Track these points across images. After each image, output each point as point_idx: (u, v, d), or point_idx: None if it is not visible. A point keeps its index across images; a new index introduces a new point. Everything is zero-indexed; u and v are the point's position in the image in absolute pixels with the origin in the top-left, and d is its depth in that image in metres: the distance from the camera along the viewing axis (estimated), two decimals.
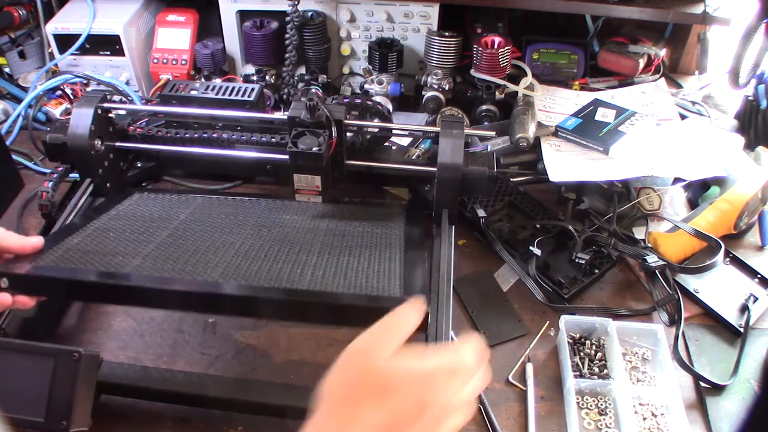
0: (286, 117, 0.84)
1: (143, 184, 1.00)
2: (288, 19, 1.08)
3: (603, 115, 1.03)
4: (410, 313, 0.49)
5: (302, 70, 1.18)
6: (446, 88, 1.12)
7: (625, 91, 1.15)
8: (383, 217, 0.86)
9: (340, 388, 0.46)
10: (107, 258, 0.70)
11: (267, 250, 0.74)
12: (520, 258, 0.89)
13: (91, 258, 0.70)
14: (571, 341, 0.79)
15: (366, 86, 1.14)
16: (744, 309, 0.83)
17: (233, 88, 0.95)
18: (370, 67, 1.16)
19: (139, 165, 0.99)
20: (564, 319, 0.79)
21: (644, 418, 0.72)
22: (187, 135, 0.92)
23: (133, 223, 0.81)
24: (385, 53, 1.11)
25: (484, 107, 1.11)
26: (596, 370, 0.76)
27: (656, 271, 0.85)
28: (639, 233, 0.92)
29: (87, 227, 0.80)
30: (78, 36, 1.13)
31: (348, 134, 0.89)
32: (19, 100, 1.17)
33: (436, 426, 0.46)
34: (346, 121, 0.84)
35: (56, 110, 1.13)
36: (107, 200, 0.88)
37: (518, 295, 0.87)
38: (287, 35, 1.09)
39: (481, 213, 0.92)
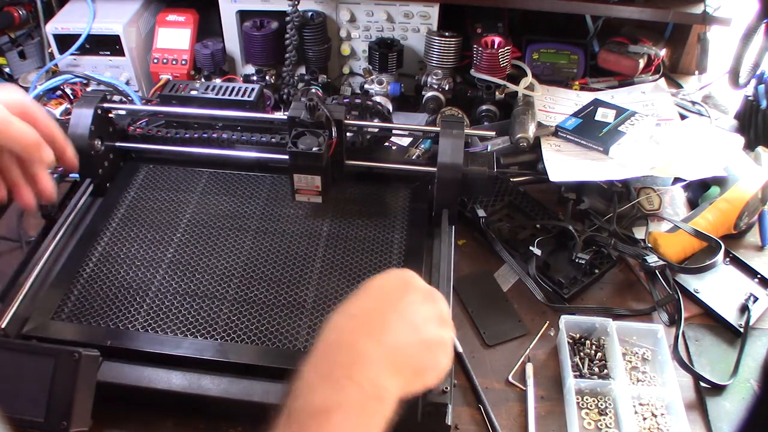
0: (286, 117, 0.84)
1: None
2: (288, 19, 1.08)
3: (603, 115, 1.03)
4: None
5: (302, 70, 1.18)
6: (446, 88, 1.11)
7: (625, 91, 1.15)
8: (384, 215, 0.86)
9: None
10: (122, 295, 0.76)
11: (270, 273, 0.79)
12: (520, 258, 0.89)
13: (107, 296, 0.76)
14: (571, 341, 0.79)
15: (366, 86, 1.14)
16: (744, 309, 0.83)
17: (233, 88, 0.95)
18: (370, 67, 1.15)
19: None
20: (564, 319, 0.79)
21: (644, 418, 0.72)
22: (187, 135, 0.92)
23: (141, 230, 0.84)
24: (385, 53, 1.11)
25: (484, 107, 1.11)
26: (596, 370, 0.76)
27: (656, 271, 0.85)
28: (639, 233, 0.92)
29: (100, 239, 0.83)
30: (78, 36, 1.13)
31: (348, 134, 0.88)
32: None
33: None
34: (346, 121, 0.84)
35: (56, 110, 1.13)
36: (113, 184, 0.91)
37: (518, 295, 0.87)
38: (287, 35, 1.09)
39: (481, 213, 0.92)
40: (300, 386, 0.44)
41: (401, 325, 0.48)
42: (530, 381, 0.76)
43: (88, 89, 1.11)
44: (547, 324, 0.83)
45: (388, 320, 0.48)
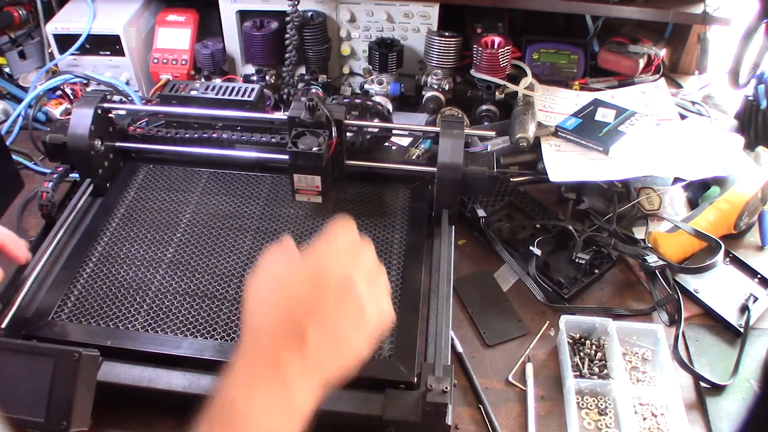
0: (286, 117, 0.83)
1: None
2: (288, 19, 1.08)
3: (603, 115, 1.03)
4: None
5: (302, 70, 1.18)
6: (446, 88, 1.11)
7: (625, 91, 1.15)
8: (384, 215, 0.86)
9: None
10: (122, 295, 0.76)
11: None
12: (520, 258, 0.89)
13: (107, 296, 0.76)
14: (571, 341, 0.79)
15: (366, 86, 1.14)
16: (744, 309, 0.83)
17: (233, 88, 0.95)
18: (370, 67, 1.15)
19: None
20: (564, 319, 0.79)
21: (644, 418, 0.72)
22: (187, 135, 0.92)
23: (141, 230, 0.84)
24: (385, 53, 1.11)
25: (484, 107, 1.11)
26: (596, 370, 0.76)
27: (656, 271, 0.85)
28: (639, 233, 0.92)
29: (100, 239, 0.83)
30: (78, 36, 1.13)
31: (348, 134, 0.88)
32: (19, 100, 1.17)
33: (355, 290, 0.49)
34: (346, 121, 0.84)
35: (56, 110, 1.13)
36: (113, 185, 0.91)
37: (518, 295, 0.87)
38: (287, 35, 1.09)
39: (481, 213, 0.92)
40: (227, 383, 0.46)
41: (319, 334, 0.47)
42: (530, 381, 0.76)
43: (88, 89, 1.11)
44: (547, 324, 0.83)
45: (306, 330, 0.47)
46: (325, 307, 0.48)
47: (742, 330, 0.81)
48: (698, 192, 0.98)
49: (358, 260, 0.51)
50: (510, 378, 0.77)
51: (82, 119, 0.85)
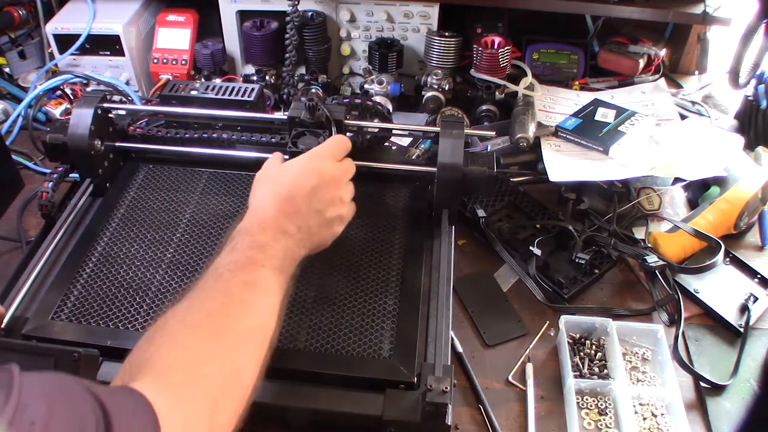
0: (286, 117, 0.84)
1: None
2: (288, 19, 1.08)
3: (603, 115, 1.03)
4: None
5: (302, 70, 1.18)
6: (446, 88, 1.12)
7: (625, 91, 1.15)
8: (384, 215, 0.86)
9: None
10: (122, 295, 0.76)
11: None
12: (520, 258, 0.89)
13: (107, 296, 0.76)
14: (571, 341, 0.79)
15: (366, 86, 1.14)
16: (744, 309, 0.83)
17: (233, 88, 0.95)
18: (370, 67, 1.16)
19: None
20: (564, 319, 0.79)
21: (644, 418, 0.72)
22: (187, 135, 0.92)
23: (141, 230, 0.84)
24: (385, 53, 1.11)
25: (484, 107, 1.11)
26: (596, 370, 0.76)
27: (656, 271, 0.85)
28: (639, 233, 0.92)
29: (100, 239, 0.82)
30: (78, 36, 1.13)
31: (348, 134, 0.88)
32: (19, 100, 1.17)
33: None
34: (346, 121, 0.84)
35: (56, 110, 1.13)
36: (113, 185, 0.90)
37: (518, 295, 0.87)
38: (287, 35, 1.09)
39: (481, 213, 0.92)
40: (240, 238, 0.62)
41: (312, 213, 0.67)
42: (530, 381, 0.76)
43: (88, 89, 1.11)
44: (547, 324, 0.83)
45: (303, 210, 0.66)
46: (314, 192, 0.67)
47: (742, 330, 0.81)
48: (698, 192, 0.98)
49: (340, 166, 0.72)
50: (510, 378, 0.77)
51: (82, 119, 0.85)
